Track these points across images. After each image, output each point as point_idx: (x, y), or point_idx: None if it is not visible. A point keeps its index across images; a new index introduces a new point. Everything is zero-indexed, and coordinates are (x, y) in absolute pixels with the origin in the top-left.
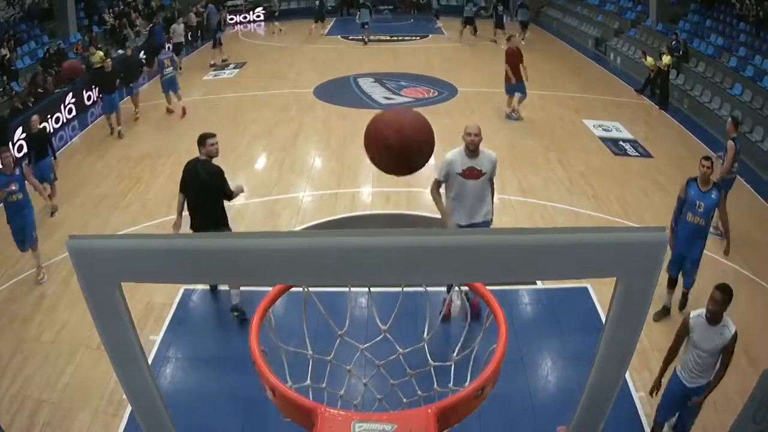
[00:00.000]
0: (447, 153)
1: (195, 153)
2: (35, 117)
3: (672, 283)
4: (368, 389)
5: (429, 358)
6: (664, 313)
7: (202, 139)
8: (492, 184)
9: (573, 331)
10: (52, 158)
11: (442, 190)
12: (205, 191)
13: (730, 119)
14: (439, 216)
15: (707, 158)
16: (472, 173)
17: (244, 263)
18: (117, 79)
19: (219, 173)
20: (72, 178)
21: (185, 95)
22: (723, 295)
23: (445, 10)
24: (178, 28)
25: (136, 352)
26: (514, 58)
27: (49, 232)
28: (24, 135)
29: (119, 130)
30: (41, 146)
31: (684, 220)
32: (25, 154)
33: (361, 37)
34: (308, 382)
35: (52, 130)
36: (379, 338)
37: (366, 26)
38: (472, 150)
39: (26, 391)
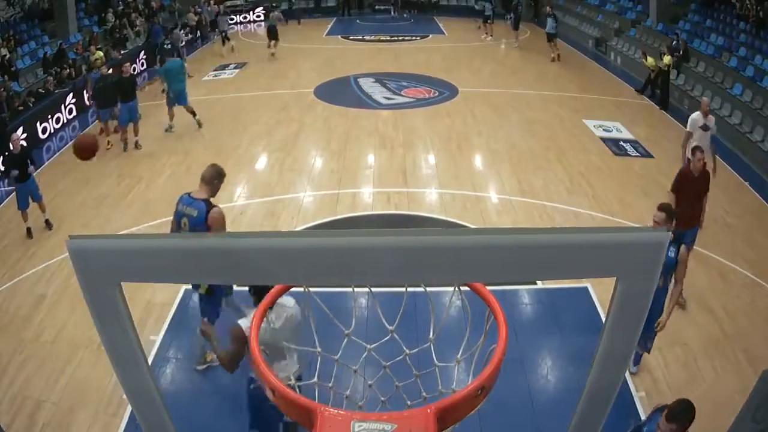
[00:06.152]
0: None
1: (194, 153)
2: (15, 135)
3: None
4: (372, 390)
5: (435, 359)
6: None
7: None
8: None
9: (573, 331)
10: (33, 175)
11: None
12: None
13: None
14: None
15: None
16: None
17: (244, 263)
18: (136, 84)
19: None
20: (72, 177)
21: None
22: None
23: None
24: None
25: (136, 352)
26: (691, 185)
27: (48, 233)
28: (6, 154)
29: (136, 140)
30: (23, 167)
31: None
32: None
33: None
34: (315, 380)
35: (53, 131)
36: (386, 338)
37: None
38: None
39: (26, 391)
